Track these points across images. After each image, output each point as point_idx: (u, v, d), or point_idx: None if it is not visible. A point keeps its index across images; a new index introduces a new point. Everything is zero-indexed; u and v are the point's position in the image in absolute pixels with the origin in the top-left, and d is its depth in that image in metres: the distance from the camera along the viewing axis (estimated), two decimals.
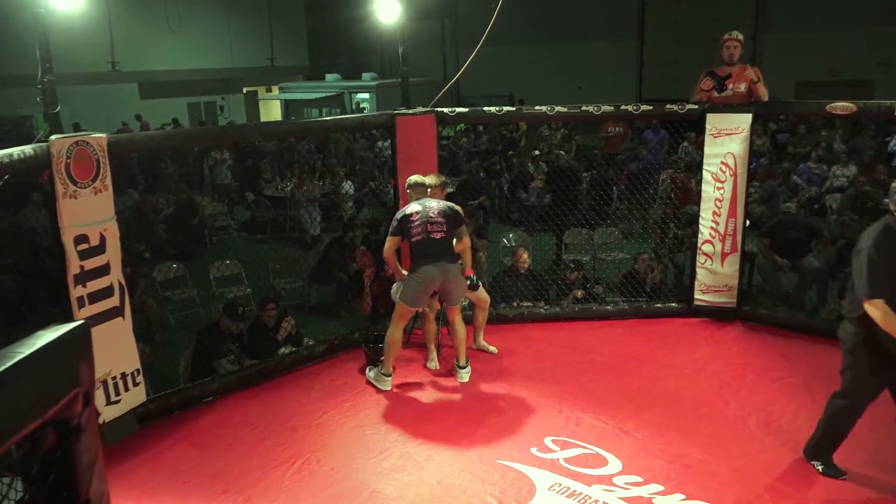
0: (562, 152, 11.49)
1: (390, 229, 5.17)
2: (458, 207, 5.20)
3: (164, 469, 4.21)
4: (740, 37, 6.10)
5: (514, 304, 6.48)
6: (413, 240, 5.02)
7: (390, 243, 5.15)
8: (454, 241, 5.08)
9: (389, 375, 5.16)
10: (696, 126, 6.35)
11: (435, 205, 5.10)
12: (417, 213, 5.05)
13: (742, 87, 5.93)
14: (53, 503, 1.16)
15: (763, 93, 5.93)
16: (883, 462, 4.07)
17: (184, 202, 10.70)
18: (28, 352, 1.05)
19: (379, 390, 5.16)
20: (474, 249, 5.70)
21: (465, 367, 5.29)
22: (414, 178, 5.30)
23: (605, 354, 5.69)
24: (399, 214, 5.16)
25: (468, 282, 5.40)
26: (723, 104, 5.97)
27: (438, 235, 4.98)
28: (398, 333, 5.16)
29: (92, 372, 1.21)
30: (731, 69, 5.98)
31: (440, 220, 5.01)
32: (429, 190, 5.27)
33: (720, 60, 6.07)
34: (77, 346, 1.17)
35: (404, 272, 5.15)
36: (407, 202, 5.28)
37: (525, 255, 6.73)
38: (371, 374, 5.29)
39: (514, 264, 6.72)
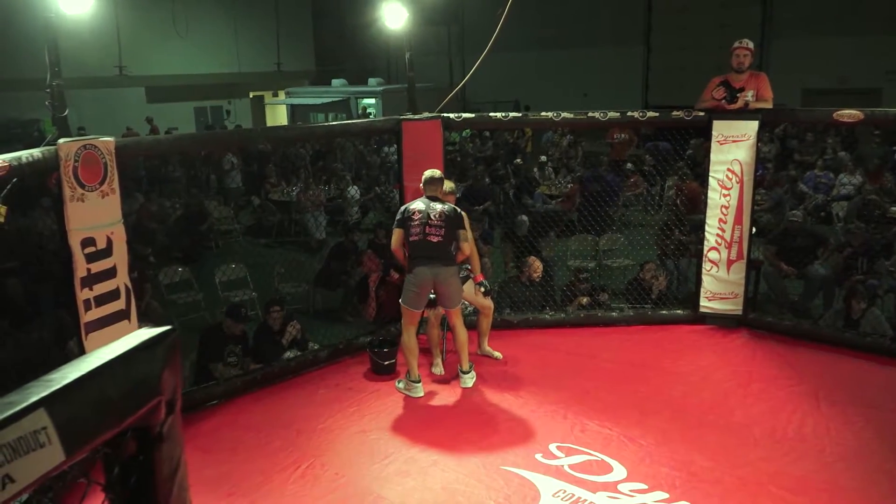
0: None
1: (395, 222, 5.19)
2: (462, 212, 5.19)
3: None
4: (751, 45, 6.08)
5: (529, 316, 6.44)
6: (410, 239, 5.02)
7: (395, 236, 5.16)
8: (453, 245, 5.03)
9: (418, 381, 5.14)
10: (702, 133, 6.34)
11: (439, 207, 5.06)
12: (420, 212, 5.04)
13: (749, 96, 5.93)
14: None
15: (763, 105, 5.92)
16: (890, 470, 4.04)
17: (193, 207, 10.74)
18: (108, 357, 1.04)
19: (408, 395, 5.13)
20: (480, 255, 5.69)
21: (468, 373, 5.27)
22: (429, 172, 5.20)
23: (611, 361, 5.68)
24: (403, 208, 5.18)
25: (481, 287, 5.39)
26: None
27: (435, 239, 4.96)
28: (411, 338, 5.15)
29: (177, 380, 1.18)
30: (742, 78, 5.96)
31: (440, 223, 4.99)
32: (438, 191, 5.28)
33: (728, 68, 6.06)
34: (161, 352, 1.14)
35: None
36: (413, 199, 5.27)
37: (538, 265, 6.71)
38: (400, 384, 5.25)
39: (527, 274, 6.69)
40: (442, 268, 4.97)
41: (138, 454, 1.13)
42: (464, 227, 5.10)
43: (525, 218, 7.76)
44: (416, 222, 5.01)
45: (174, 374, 1.17)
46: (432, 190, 5.15)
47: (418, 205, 5.10)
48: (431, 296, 5.13)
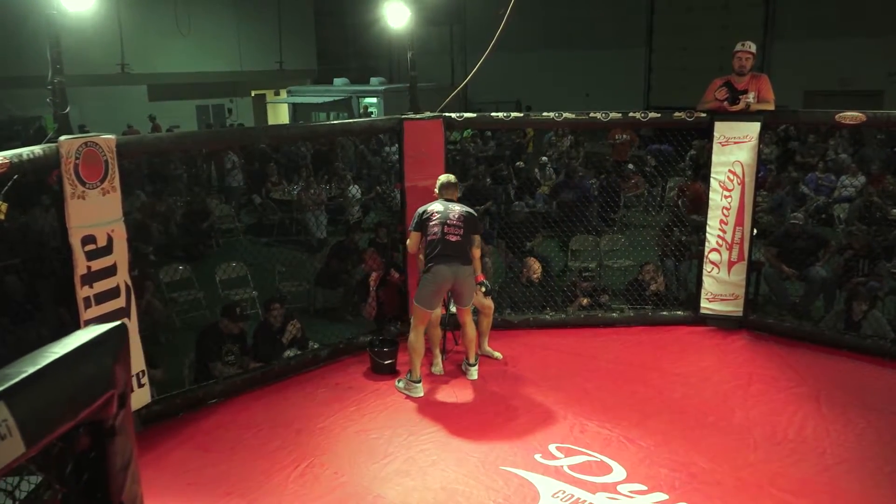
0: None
1: (411, 225, 5.24)
2: (476, 216, 5.28)
3: (168, 471, 4.21)
4: (753, 48, 6.07)
5: (529, 317, 6.44)
6: (428, 238, 5.07)
7: (412, 239, 5.24)
8: (469, 246, 5.13)
9: (419, 381, 5.16)
10: (703, 134, 6.33)
11: (458, 208, 5.17)
12: (438, 213, 5.11)
13: (751, 98, 5.92)
14: None
15: (764, 107, 5.92)
16: (891, 472, 4.04)
17: (195, 205, 10.74)
18: (62, 352, 1.05)
19: (408, 395, 5.13)
20: (480, 255, 5.72)
21: (474, 365, 5.38)
22: (444, 177, 5.39)
23: (611, 362, 5.68)
24: (420, 210, 5.23)
25: (482, 287, 5.43)
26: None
27: (454, 238, 5.02)
28: (419, 338, 5.17)
29: (128, 374, 1.20)
30: (744, 80, 5.96)
31: (459, 223, 5.07)
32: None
33: (730, 69, 6.06)
34: (112, 348, 1.16)
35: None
36: (413, 204, 5.31)
37: (537, 266, 6.72)
38: (400, 384, 5.26)
39: (526, 274, 6.69)
40: (461, 267, 5.04)
41: (91, 449, 1.14)
42: (478, 233, 5.23)
43: (523, 204, 7.75)
44: (435, 222, 5.07)
45: (126, 369, 1.19)
46: (448, 194, 5.29)
47: (436, 206, 5.19)
48: None
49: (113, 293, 4.32)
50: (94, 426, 1.14)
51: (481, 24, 14.90)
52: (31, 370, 0.99)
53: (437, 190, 5.35)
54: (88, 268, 4.16)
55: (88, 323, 4.12)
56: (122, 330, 1.18)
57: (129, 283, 4.44)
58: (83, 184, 4.09)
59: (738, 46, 6.06)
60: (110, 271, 4.29)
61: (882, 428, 4.55)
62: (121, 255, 4.35)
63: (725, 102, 5.95)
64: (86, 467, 1.15)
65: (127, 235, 4.42)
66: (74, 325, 4.13)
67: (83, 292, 4.14)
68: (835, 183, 10.95)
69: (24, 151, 3.77)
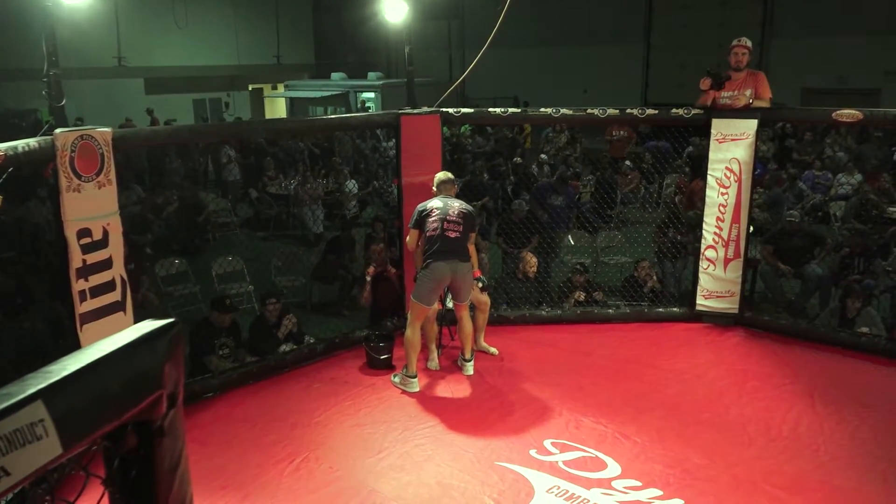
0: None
1: (410, 222, 5.24)
2: (475, 212, 5.28)
3: None
4: (749, 44, 6.09)
5: (526, 313, 6.44)
6: (427, 234, 5.06)
7: (411, 236, 5.23)
8: (468, 242, 5.14)
9: (415, 377, 5.16)
10: (701, 131, 6.34)
11: (457, 205, 5.18)
12: (437, 209, 5.11)
13: (747, 93, 5.93)
14: None
15: (761, 104, 5.93)
16: (884, 469, 4.05)
17: (189, 199, 10.71)
18: (110, 349, 1.02)
19: (404, 390, 5.14)
20: (477, 250, 5.72)
21: (470, 361, 5.39)
22: (441, 174, 5.41)
23: (606, 358, 5.69)
24: (420, 207, 5.22)
25: (479, 283, 5.44)
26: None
27: (453, 234, 5.03)
28: (416, 334, 5.17)
29: (179, 373, 1.16)
30: (740, 76, 5.97)
31: (458, 220, 5.07)
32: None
33: (727, 66, 6.07)
34: (164, 345, 1.12)
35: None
36: (410, 199, 5.31)
37: (533, 261, 6.71)
38: (396, 378, 5.26)
39: (522, 269, 6.69)
40: (460, 263, 5.05)
41: (139, 448, 1.12)
42: (476, 231, 5.25)
43: (523, 202, 7.73)
44: (434, 218, 5.07)
45: (176, 368, 1.15)
46: (446, 190, 5.31)
47: (435, 202, 5.19)
48: None
49: (108, 286, 4.31)
50: (142, 426, 1.11)
51: (479, 20, 14.90)
52: (74, 368, 0.96)
53: (434, 187, 5.36)
54: (84, 261, 4.14)
55: (84, 316, 4.11)
56: (176, 327, 1.14)
57: (125, 276, 4.43)
58: (79, 177, 4.08)
59: (735, 42, 6.08)
60: (106, 265, 4.28)
61: (876, 425, 4.57)
62: (116, 248, 4.34)
63: (712, 91, 5.97)
64: (133, 467, 1.12)
65: (123, 229, 4.41)
66: (69, 319, 4.12)
67: (78, 285, 4.13)
68: (831, 181, 10.97)
69: (20, 144, 3.75)
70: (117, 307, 4.37)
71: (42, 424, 0.89)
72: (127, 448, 1.11)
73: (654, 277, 6.75)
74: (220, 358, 5.50)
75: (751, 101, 5.91)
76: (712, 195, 6.11)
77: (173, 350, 1.14)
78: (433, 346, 5.56)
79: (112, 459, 1.11)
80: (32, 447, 0.87)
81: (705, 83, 5.99)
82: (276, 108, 25.13)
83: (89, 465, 1.07)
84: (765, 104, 5.96)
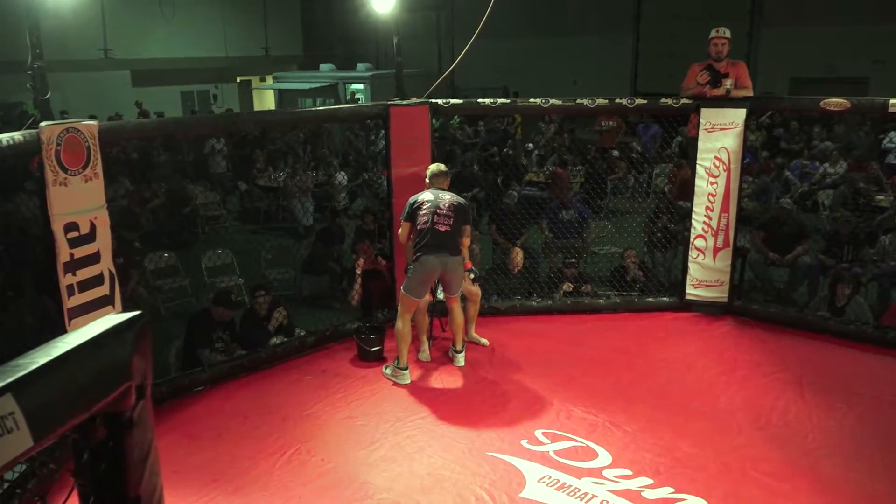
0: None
1: (402, 214, 5.22)
2: (468, 205, 5.26)
3: None
4: (727, 34, 6.12)
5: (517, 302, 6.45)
6: (418, 227, 5.06)
7: (403, 229, 5.22)
8: (460, 235, 5.11)
9: (406, 369, 5.16)
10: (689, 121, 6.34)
11: (448, 197, 5.15)
12: (428, 202, 5.10)
13: (729, 84, 5.95)
14: (103, 497, 1.13)
15: (743, 93, 5.94)
16: (871, 456, 4.09)
17: (175, 192, 10.64)
18: (77, 342, 1.02)
19: (395, 382, 5.14)
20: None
21: (461, 352, 5.39)
22: (434, 166, 5.38)
23: (597, 348, 5.71)
24: (411, 199, 5.21)
25: (470, 274, 5.44)
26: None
27: (443, 228, 5.01)
28: (406, 326, 5.17)
29: (147, 365, 1.17)
30: (721, 66, 5.99)
31: (449, 213, 5.06)
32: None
33: (707, 56, 6.08)
34: (131, 338, 1.13)
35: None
36: (400, 191, 5.29)
37: (520, 257, 6.72)
38: (387, 370, 5.26)
39: (510, 264, 6.70)
40: (450, 257, 5.04)
41: (108, 440, 1.12)
42: (470, 223, 5.21)
43: (515, 193, 7.71)
44: (425, 211, 5.05)
45: (145, 359, 1.16)
46: (439, 183, 5.28)
47: (426, 195, 5.16)
48: None
49: (97, 280, 4.28)
50: (111, 418, 1.12)
51: (468, 10, 14.80)
52: (43, 361, 0.97)
53: (427, 179, 5.34)
54: (71, 255, 4.11)
55: (72, 311, 4.08)
56: (143, 319, 1.15)
57: (113, 270, 4.40)
58: (65, 170, 4.04)
59: (713, 33, 6.10)
60: (94, 258, 4.25)
61: (863, 412, 4.61)
62: (104, 242, 4.31)
63: (707, 87, 5.98)
64: (102, 459, 1.13)
65: (111, 223, 4.38)
66: (58, 313, 4.09)
67: (66, 280, 4.10)
68: (819, 170, 11.02)
69: (5, 137, 3.71)
70: (106, 301, 4.34)
71: (12, 417, 0.89)
72: (96, 440, 1.11)
73: (636, 267, 6.75)
74: (214, 351, 5.47)
75: (729, 89, 5.92)
76: (701, 185, 6.13)
77: (141, 342, 1.15)
78: (424, 338, 5.57)
79: (81, 452, 1.11)
80: (3, 440, 0.87)
81: (704, 77, 5.99)
82: (265, 100, 24.96)
83: (60, 457, 1.07)
84: (747, 93, 5.98)
